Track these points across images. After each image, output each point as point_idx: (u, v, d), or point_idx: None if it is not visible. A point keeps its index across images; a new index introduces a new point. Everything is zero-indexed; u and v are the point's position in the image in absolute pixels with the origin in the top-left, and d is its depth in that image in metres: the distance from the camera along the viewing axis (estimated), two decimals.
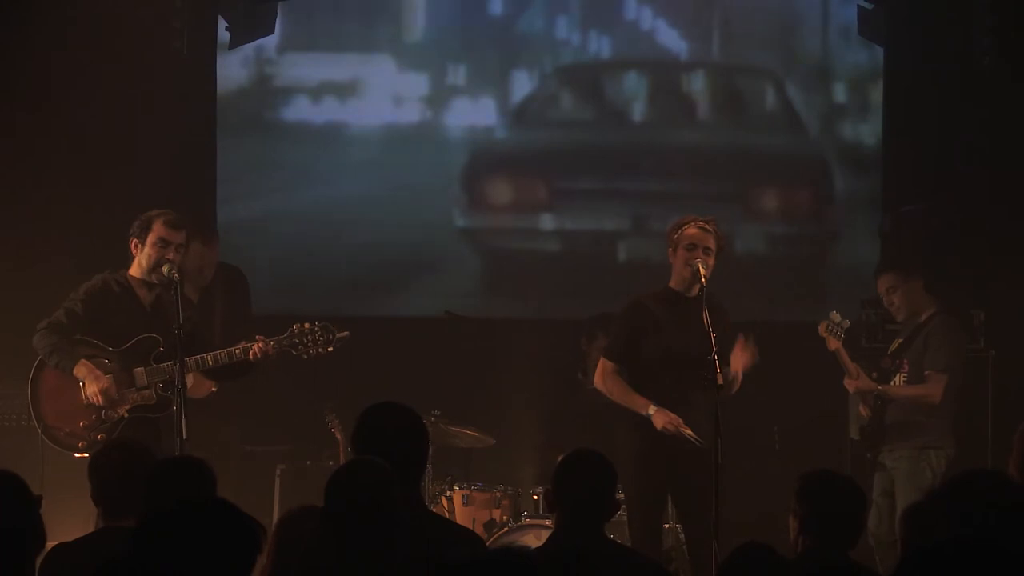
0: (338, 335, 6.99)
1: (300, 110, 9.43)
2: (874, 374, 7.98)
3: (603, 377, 7.15)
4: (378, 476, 4.35)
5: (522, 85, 9.60)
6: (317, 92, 9.43)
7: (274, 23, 9.17)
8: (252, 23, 9.13)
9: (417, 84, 9.49)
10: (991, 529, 3.62)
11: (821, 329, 7.73)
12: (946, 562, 3.01)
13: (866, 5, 9.51)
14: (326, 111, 9.45)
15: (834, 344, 7.73)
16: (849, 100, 9.79)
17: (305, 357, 6.99)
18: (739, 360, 6.92)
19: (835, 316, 7.74)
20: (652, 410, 6.89)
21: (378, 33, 9.51)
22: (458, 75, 9.54)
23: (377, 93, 9.47)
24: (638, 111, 9.78)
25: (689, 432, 6.79)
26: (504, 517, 7.75)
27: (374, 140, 9.48)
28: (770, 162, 9.73)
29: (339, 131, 9.46)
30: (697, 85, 9.80)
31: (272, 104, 9.44)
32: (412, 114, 9.49)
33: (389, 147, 9.47)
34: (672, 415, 6.84)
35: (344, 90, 9.46)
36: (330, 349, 6.99)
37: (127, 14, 8.46)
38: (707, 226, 7.00)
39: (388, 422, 4.72)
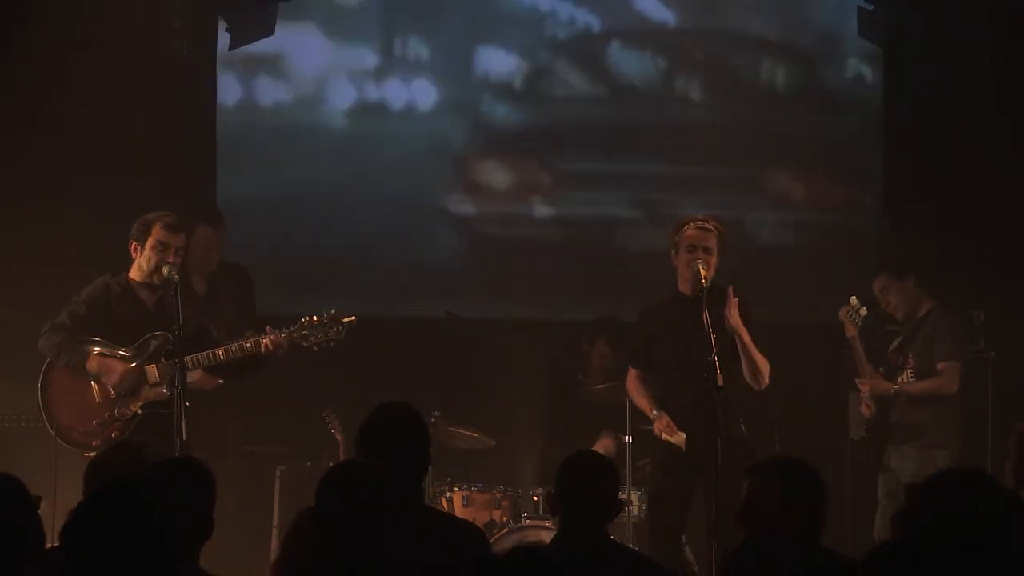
0: (344, 320, 7.01)
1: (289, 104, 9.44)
2: (881, 370, 8.00)
3: (628, 383, 7.35)
4: (372, 476, 4.35)
5: (494, 58, 9.47)
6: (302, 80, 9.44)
7: (274, 24, 9.17)
8: (252, 24, 9.13)
9: (382, 58, 9.41)
10: (968, 530, 3.62)
11: (842, 314, 7.76)
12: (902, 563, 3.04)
13: (866, 6, 9.51)
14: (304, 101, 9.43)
15: (851, 330, 7.76)
16: (849, 97, 9.80)
17: (315, 348, 7.00)
18: (732, 317, 6.91)
19: (854, 301, 7.77)
20: (654, 414, 7.06)
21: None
22: (412, 46, 9.43)
23: (348, 73, 9.43)
24: (646, 87, 9.64)
25: (676, 439, 6.86)
26: (504, 518, 7.75)
27: (359, 124, 9.43)
28: (792, 145, 9.66)
29: (325, 118, 9.43)
30: (708, 59, 9.67)
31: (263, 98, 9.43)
32: (387, 92, 9.41)
33: (375, 130, 9.41)
34: (666, 422, 6.97)
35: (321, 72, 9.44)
36: (340, 337, 7.01)
37: (127, 14, 8.46)
38: (706, 225, 7.00)
39: (395, 423, 4.74)
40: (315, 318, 6.99)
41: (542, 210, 9.58)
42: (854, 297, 7.77)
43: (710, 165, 9.39)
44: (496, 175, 9.60)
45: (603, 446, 8.16)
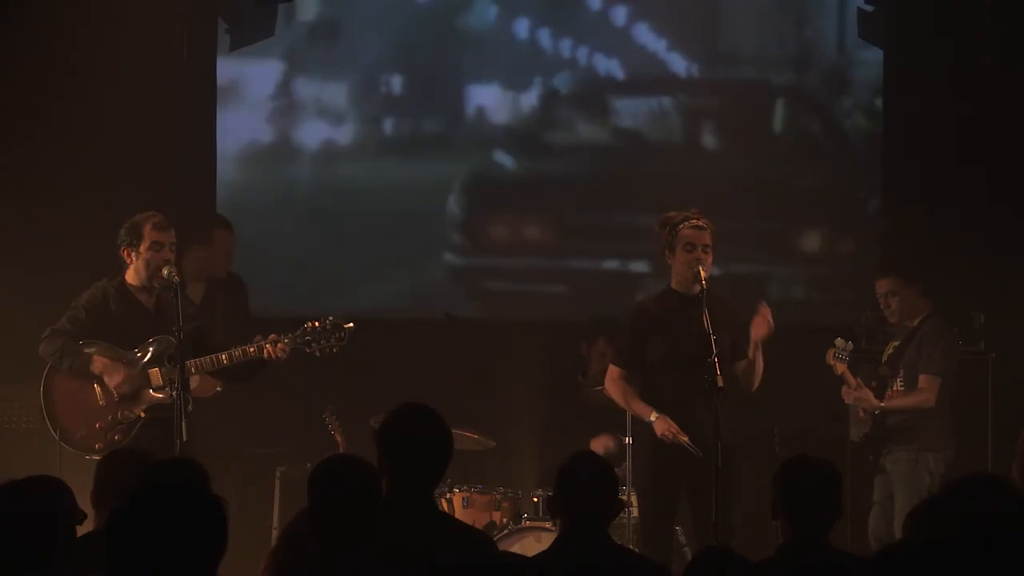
0: (344, 326, 7.02)
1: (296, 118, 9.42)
2: (873, 383, 8.03)
3: (611, 384, 7.16)
4: (359, 472, 4.36)
5: (481, 94, 9.41)
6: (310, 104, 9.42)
7: (273, 25, 9.15)
8: (252, 25, 9.12)
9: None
10: (988, 533, 3.63)
11: (828, 357, 7.83)
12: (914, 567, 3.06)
13: (866, 7, 9.51)
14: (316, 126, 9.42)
15: (841, 368, 7.84)
16: (849, 98, 9.79)
17: (318, 354, 7.01)
18: (758, 329, 6.91)
19: (839, 342, 7.84)
20: (653, 417, 6.87)
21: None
22: (395, 83, 9.39)
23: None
24: (643, 134, 9.56)
25: (686, 440, 6.78)
26: (504, 519, 7.75)
27: (363, 153, 9.43)
28: (800, 195, 9.62)
29: (331, 139, 9.43)
30: (717, 107, 9.60)
31: (267, 111, 9.42)
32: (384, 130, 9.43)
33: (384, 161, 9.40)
34: (671, 423, 6.82)
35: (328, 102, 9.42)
36: (343, 343, 7.01)
37: (128, 16, 8.46)
38: (701, 223, 6.98)
39: (413, 424, 4.74)
40: (317, 324, 6.99)
41: (543, 261, 9.48)
42: (839, 339, 7.84)
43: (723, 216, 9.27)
44: (497, 223, 9.52)
45: (602, 444, 8.17)
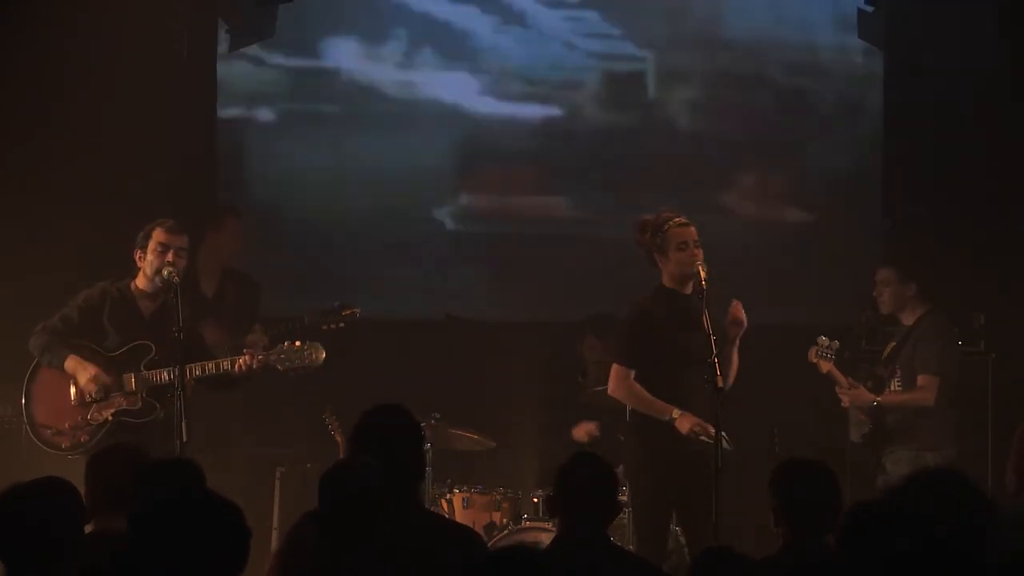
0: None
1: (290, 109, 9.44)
2: (869, 383, 8.04)
3: (619, 384, 6.99)
4: (367, 475, 4.36)
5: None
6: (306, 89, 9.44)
7: (274, 25, 9.16)
8: (252, 25, 9.13)
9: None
10: (944, 531, 3.65)
11: (811, 355, 7.81)
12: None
13: (866, 8, 9.52)
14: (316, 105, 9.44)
15: (826, 366, 7.83)
16: (849, 99, 9.79)
17: (291, 375, 7.05)
18: (732, 329, 6.87)
19: (823, 340, 7.83)
20: (677, 414, 6.78)
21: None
22: (431, 59, 9.43)
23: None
24: (651, 131, 9.62)
25: (722, 434, 6.72)
26: (504, 520, 7.75)
27: (369, 128, 9.43)
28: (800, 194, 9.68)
29: (332, 121, 9.44)
30: (716, 106, 9.64)
31: (264, 102, 9.43)
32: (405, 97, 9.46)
33: (387, 135, 9.41)
34: (694, 420, 6.74)
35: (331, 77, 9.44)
36: (316, 363, 7.02)
37: (128, 16, 8.46)
38: (684, 220, 6.97)
39: (387, 424, 4.75)
40: (296, 344, 7.02)
41: (551, 230, 9.54)
42: (823, 337, 7.83)
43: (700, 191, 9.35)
44: (503, 195, 9.58)
45: (584, 431, 8.18)
